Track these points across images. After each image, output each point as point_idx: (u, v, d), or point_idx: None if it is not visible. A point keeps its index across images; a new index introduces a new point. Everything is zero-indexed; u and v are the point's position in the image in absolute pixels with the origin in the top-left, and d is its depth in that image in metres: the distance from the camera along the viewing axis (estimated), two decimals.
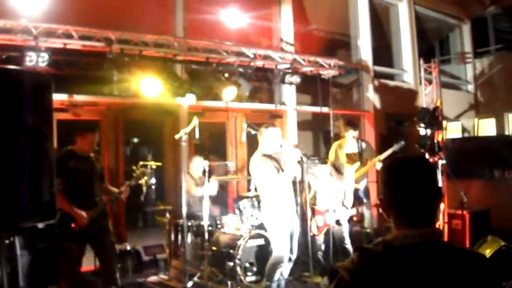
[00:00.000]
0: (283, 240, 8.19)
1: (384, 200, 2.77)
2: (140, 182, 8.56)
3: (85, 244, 8.03)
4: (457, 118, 18.91)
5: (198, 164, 10.57)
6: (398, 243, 2.58)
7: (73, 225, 7.65)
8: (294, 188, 8.95)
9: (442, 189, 2.86)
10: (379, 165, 10.56)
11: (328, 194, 9.30)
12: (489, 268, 2.59)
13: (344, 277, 2.52)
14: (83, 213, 7.67)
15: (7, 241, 4.34)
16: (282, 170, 8.22)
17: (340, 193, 9.43)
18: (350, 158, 11.02)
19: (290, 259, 8.47)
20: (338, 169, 9.50)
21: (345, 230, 9.50)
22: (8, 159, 3.64)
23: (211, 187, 10.32)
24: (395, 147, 10.49)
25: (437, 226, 2.81)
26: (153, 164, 15.66)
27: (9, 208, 3.66)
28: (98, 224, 7.88)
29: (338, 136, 12.52)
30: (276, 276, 8.34)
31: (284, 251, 8.18)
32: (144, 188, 8.66)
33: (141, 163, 9.13)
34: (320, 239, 9.56)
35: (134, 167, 8.76)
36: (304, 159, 8.35)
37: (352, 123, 11.81)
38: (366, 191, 11.24)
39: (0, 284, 4.24)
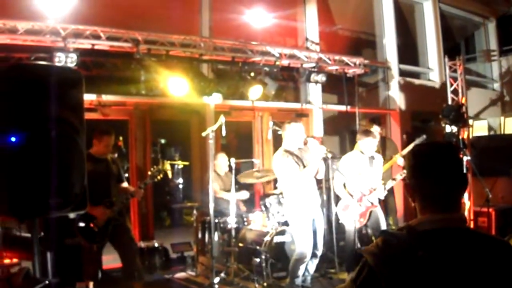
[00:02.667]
0: (305, 237, 8.22)
1: (410, 184, 2.78)
2: (155, 180, 8.66)
3: (104, 243, 8.18)
4: (483, 116, 18.80)
5: (223, 161, 10.67)
6: (422, 228, 2.61)
7: (91, 225, 7.79)
8: (319, 186, 9.01)
9: (467, 176, 2.83)
10: (401, 161, 10.54)
11: (360, 184, 9.25)
12: None
13: (368, 261, 2.55)
14: (103, 209, 7.83)
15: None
16: (304, 167, 8.27)
17: (372, 182, 9.40)
18: None
19: (315, 255, 8.52)
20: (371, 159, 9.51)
21: (382, 224, 9.47)
22: (38, 151, 3.75)
23: (242, 195, 10.45)
24: (416, 142, 10.47)
25: (461, 212, 2.78)
26: (180, 163, 15.82)
27: (38, 198, 3.77)
28: (116, 222, 8.02)
29: None
30: (300, 272, 8.38)
31: (306, 247, 8.21)
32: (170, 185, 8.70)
33: (169, 162, 9.19)
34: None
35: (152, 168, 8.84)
36: (329, 155, 8.38)
37: (375, 119, 11.86)
38: (391, 190, 11.22)
39: (33, 272, 4.37)
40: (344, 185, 9.38)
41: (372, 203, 9.25)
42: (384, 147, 11.36)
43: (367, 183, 9.28)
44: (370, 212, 9.29)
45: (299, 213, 8.27)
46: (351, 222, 9.19)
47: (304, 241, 8.21)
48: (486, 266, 2.48)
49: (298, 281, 8.40)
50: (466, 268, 2.47)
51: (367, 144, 9.37)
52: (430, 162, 2.75)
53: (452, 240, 2.56)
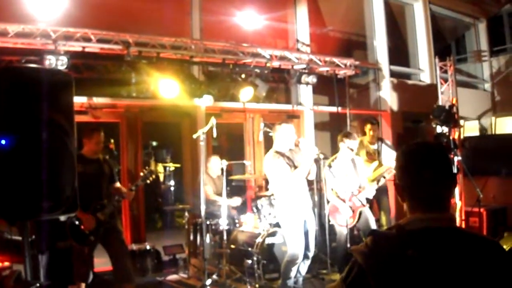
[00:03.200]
0: (297, 238, 8.20)
1: (399, 184, 2.78)
2: (147, 181, 8.64)
3: (95, 246, 8.17)
4: (474, 116, 18.85)
5: (216, 164, 10.66)
6: (411, 227, 2.62)
7: (82, 227, 7.77)
8: (311, 188, 9.01)
9: (456, 175, 2.81)
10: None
11: (347, 185, 9.26)
12: (502, 253, 2.60)
13: (357, 260, 2.56)
14: (89, 216, 7.80)
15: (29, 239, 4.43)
16: (295, 168, 8.26)
17: (357, 183, 9.42)
18: (370, 156, 11.05)
19: (307, 257, 8.51)
20: (354, 164, 9.53)
21: (372, 225, 9.48)
22: (28, 154, 3.74)
23: (234, 201, 10.43)
24: None
25: (450, 212, 2.77)
26: (171, 165, 15.82)
27: (29, 200, 3.76)
28: (107, 225, 7.99)
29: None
30: (292, 273, 8.35)
31: (298, 249, 8.19)
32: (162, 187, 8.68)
33: (160, 164, 9.20)
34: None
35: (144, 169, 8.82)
36: (321, 156, 8.39)
37: (372, 119, 11.88)
38: (385, 190, 11.20)
39: (24, 276, 4.35)
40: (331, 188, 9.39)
41: (361, 203, 9.27)
42: (380, 149, 11.34)
43: (353, 184, 9.30)
44: (360, 213, 9.31)
45: (290, 214, 8.25)
46: (342, 223, 9.19)
47: (295, 242, 8.20)
48: (475, 266, 2.48)
49: (290, 282, 8.39)
50: (455, 267, 2.47)
51: (351, 146, 9.43)
52: (419, 162, 2.75)
53: (441, 239, 2.56)
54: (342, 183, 9.23)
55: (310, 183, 8.93)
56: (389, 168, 9.90)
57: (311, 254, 8.54)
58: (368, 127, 11.47)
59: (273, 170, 8.27)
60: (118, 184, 8.57)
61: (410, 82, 17.01)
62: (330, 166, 9.28)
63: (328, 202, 9.44)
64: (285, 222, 8.37)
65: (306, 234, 8.34)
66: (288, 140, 8.40)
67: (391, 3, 16.94)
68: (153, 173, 8.53)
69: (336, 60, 13.23)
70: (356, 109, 14.92)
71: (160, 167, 8.30)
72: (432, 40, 17.36)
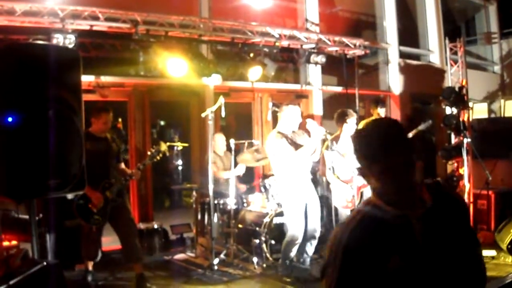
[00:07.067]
0: (297, 219, 8.25)
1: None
2: (155, 160, 8.61)
3: (103, 224, 8.18)
4: (483, 99, 18.73)
5: (221, 141, 10.67)
6: None
7: (90, 205, 7.77)
8: (318, 168, 8.98)
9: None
10: None
11: (349, 166, 9.19)
12: None
13: None
14: (100, 195, 7.82)
15: (36, 218, 4.42)
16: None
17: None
18: None
19: (314, 237, 8.53)
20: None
21: None
22: (35, 132, 3.72)
23: (239, 170, 10.38)
24: (422, 126, 10.39)
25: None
26: (179, 145, 15.79)
27: (36, 178, 3.74)
28: (114, 203, 8.01)
29: (363, 118, 12.39)
30: (292, 254, 8.45)
31: (298, 230, 8.24)
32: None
33: (168, 144, 9.14)
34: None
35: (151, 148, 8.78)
36: (329, 136, 8.34)
37: (380, 100, 11.77)
38: None
39: (31, 254, 4.35)
40: (333, 169, 9.30)
41: (363, 183, 9.22)
42: None
43: (354, 165, 9.21)
44: (361, 193, 9.25)
45: (291, 195, 8.28)
46: (343, 204, 9.13)
47: (295, 223, 8.24)
48: None
49: (287, 263, 8.49)
50: None
51: (353, 123, 9.36)
52: None
53: None
54: (343, 164, 9.16)
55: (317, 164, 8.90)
56: None
57: (317, 234, 8.55)
58: (374, 108, 11.38)
59: (276, 151, 8.26)
60: (122, 165, 8.59)
61: (419, 63, 16.92)
62: (330, 148, 9.13)
63: (328, 184, 9.38)
64: (286, 203, 8.39)
65: (311, 215, 8.34)
66: (292, 122, 8.40)
67: None
68: (161, 152, 8.51)
69: (345, 40, 13.14)
70: (364, 90, 14.84)
71: (163, 146, 8.26)
72: (442, 21, 17.24)
